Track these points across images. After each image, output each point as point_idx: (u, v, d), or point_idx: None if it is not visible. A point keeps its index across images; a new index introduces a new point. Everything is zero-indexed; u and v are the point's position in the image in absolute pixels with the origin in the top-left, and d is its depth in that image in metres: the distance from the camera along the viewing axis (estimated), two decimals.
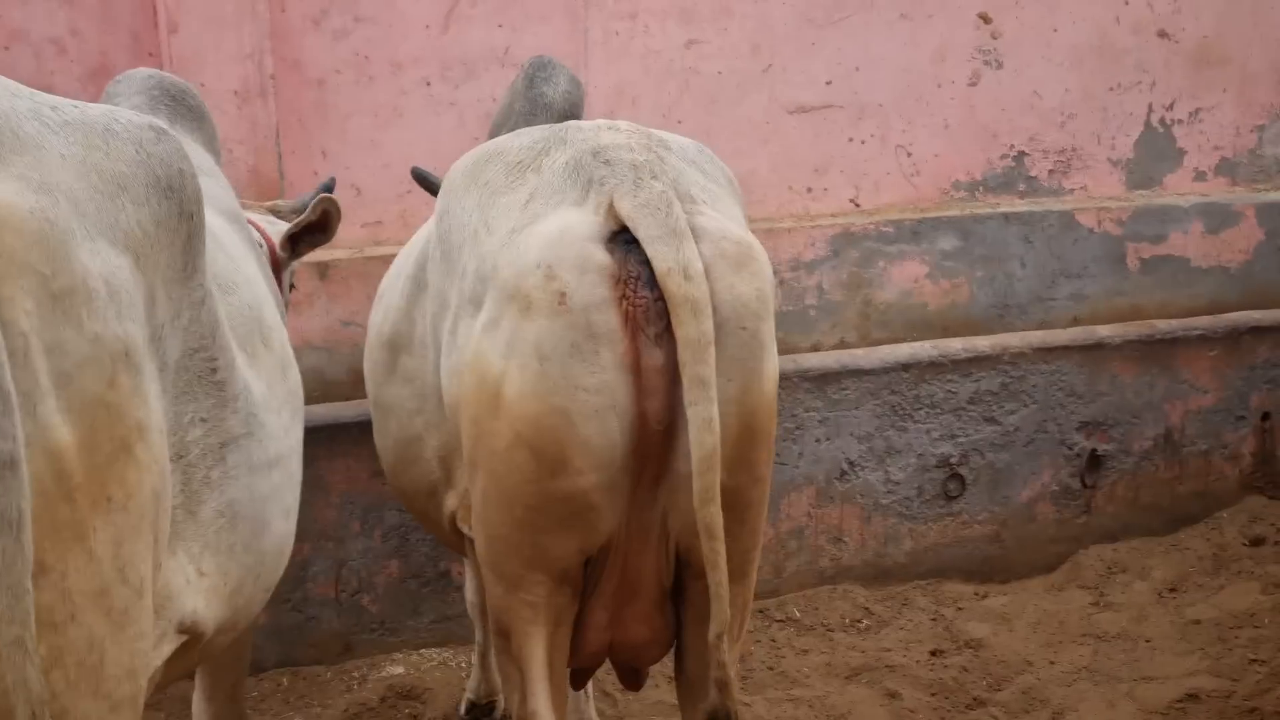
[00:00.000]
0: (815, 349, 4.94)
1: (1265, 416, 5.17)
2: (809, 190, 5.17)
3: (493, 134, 3.69)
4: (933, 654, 4.35)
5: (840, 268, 5.06)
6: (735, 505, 2.57)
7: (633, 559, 2.61)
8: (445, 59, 4.75)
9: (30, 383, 1.61)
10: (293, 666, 4.18)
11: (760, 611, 4.56)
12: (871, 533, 4.76)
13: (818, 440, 4.67)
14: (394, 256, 3.59)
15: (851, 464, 4.73)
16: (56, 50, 4.32)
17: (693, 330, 2.38)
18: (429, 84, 4.73)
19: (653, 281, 2.42)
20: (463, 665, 4.26)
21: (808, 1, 5.07)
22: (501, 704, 3.98)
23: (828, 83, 5.13)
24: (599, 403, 2.42)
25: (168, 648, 1.99)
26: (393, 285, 3.22)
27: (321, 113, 4.61)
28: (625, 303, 2.43)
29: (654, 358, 2.43)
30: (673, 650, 2.84)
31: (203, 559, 2.07)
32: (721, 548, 2.41)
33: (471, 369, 2.55)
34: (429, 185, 3.77)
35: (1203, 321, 5.09)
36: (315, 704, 4.02)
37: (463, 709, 3.97)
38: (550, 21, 4.86)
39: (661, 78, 4.98)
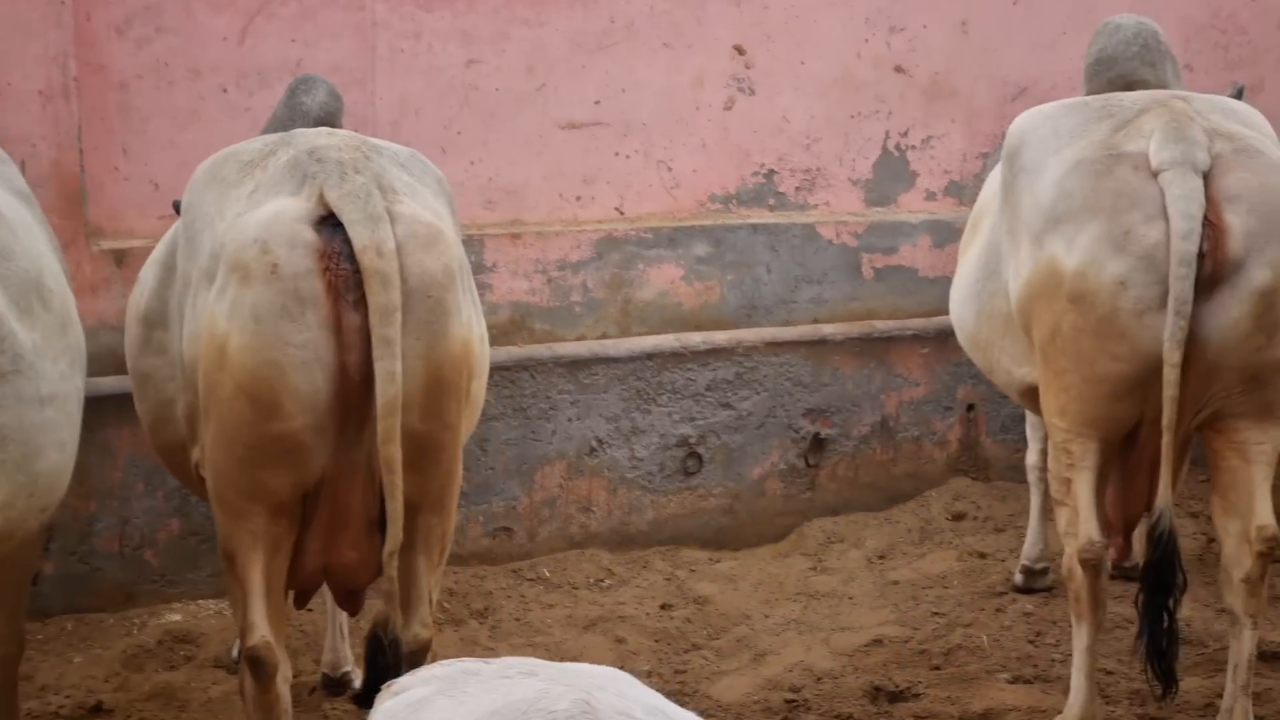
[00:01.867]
0: (578, 341, 5.50)
1: (970, 408, 5.85)
2: (578, 199, 5.73)
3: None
4: (662, 608, 4.93)
5: (604, 269, 5.63)
6: (428, 447, 3.12)
7: (342, 493, 3.14)
8: (241, 68, 5.22)
9: None
10: (77, 613, 4.61)
11: (514, 573, 5.10)
12: (617, 503, 5.33)
13: (569, 420, 5.24)
14: None
15: (600, 441, 5.30)
16: None
17: (381, 298, 2.93)
18: (225, 91, 5.20)
19: (353, 257, 2.97)
20: None
21: (578, 28, 5.64)
22: None
23: (596, 102, 5.70)
24: (305, 356, 2.96)
25: None
26: (148, 270, 3.70)
27: (124, 114, 5.05)
28: (328, 273, 2.98)
29: (352, 320, 2.98)
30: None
31: None
32: (399, 480, 2.96)
33: (204, 330, 3.06)
34: None
35: (916, 323, 5.77)
36: (97, 646, 4.47)
37: (235, 652, 4.43)
38: (340, 38, 5.36)
39: (444, 93, 5.51)
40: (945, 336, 5.69)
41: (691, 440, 5.43)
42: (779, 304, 5.84)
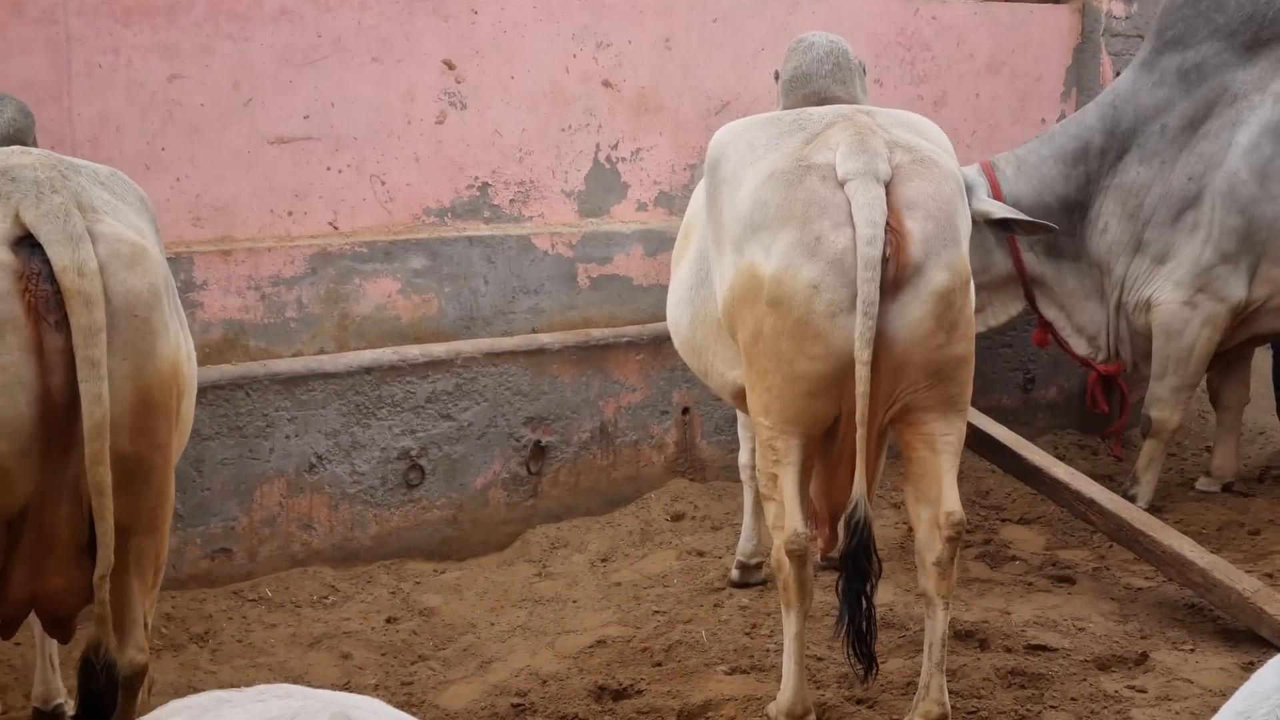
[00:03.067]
0: (293, 357, 5.46)
1: (685, 411, 6.05)
2: (290, 214, 5.68)
3: None
4: (388, 621, 4.93)
5: (319, 284, 5.60)
6: (139, 468, 3.08)
7: (48, 518, 3.07)
8: None
9: None
10: None
11: (235, 593, 5.02)
12: (340, 519, 5.31)
13: (287, 437, 5.19)
14: None
15: (320, 458, 5.26)
16: None
17: (84, 319, 2.88)
18: None
19: (53, 277, 2.91)
20: None
21: (285, 43, 5.59)
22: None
23: (305, 117, 5.66)
24: (6, 380, 2.89)
25: None
26: None
27: None
28: (28, 295, 2.90)
29: (54, 341, 2.92)
30: None
31: None
32: (109, 503, 2.91)
33: None
34: None
35: (631, 330, 5.94)
36: None
37: None
38: (32, 54, 5.18)
39: (145, 109, 5.38)
40: (660, 342, 5.88)
41: (413, 453, 5.45)
42: (497, 315, 5.92)
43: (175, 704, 1.93)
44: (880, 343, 3.71)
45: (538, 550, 5.56)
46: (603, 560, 5.48)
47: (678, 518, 5.79)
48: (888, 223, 3.71)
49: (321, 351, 5.55)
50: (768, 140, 3.99)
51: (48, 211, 2.95)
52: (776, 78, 5.52)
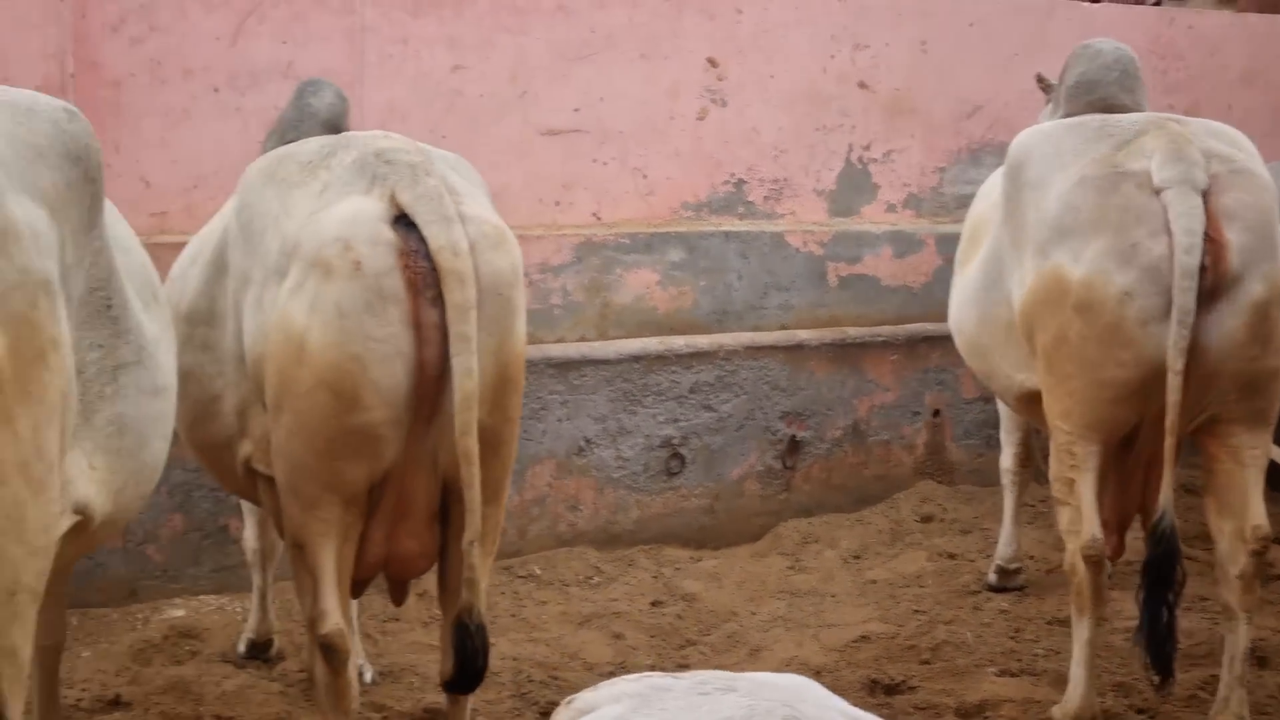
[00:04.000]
0: (559, 343, 5.61)
1: (936, 413, 6.08)
2: (557, 203, 5.84)
3: (270, 137, 4.27)
4: (653, 604, 5.05)
5: (583, 273, 5.75)
6: (491, 440, 3.21)
7: (408, 484, 3.22)
8: (233, 69, 5.25)
9: None
10: (82, 608, 4.60)
11: (505, 569, 5.18)
12: (604, 502, 5.45)
13: (559, 420, 5.34)
14: (180, 244, 4.10)
15: (588, 441, 5.41)
16: None
17: (459, 296, 3.02)
18: (217, 90, 5.22)
19: (429, 255, 3.05)
20: (238, 611, 4.75)
21: (560, 38, 5.75)
22: (276, 644, 4.49)
23: (576, 110, 5.82)
24: (387, 350, 3.04)
25: (66, 522, 2.48)
26: (187, 269, 3.72)
27: (116, 111, 5.05)
28: (408, 271, 3.05)
29: (430, 316, 3.07)
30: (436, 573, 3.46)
31: (94, 456, 2.58)
32: (477, 471, 3.05)
33: (277, 326, 3.12)
34: None
35: (886, 330, 5.98)
36: (103, 641, 4.46)
37: (242, 647, 4.46)
38: (330, 41, 5.41)
39: (429, 98, 5.58)
40: (914, 344, 5.92)
41: (675, 441, 5.56)
42: (749, 309, 6.00)
43: (609, 688, 1.89)
44: (1193, 353, 3.69)
45: (790, 543, 5.63)
46: (855, 557, 5.53)
47: (927, 519, 5.82)
48: (1206, 232, 3.70)
49: (583, 339, 5.70)
50: (1075, 145, 4.00)
51: (424, 193, 3.10)
52: (1041, 83, 5.52)
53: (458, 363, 3.02)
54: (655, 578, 5.26)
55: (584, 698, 1.90)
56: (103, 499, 2.65)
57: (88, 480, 2.59)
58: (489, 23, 5.68)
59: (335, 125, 4.20)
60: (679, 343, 5.59)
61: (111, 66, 5.05)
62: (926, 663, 4.59)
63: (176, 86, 5.15)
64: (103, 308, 2.63)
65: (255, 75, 5.27)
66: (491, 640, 4.65)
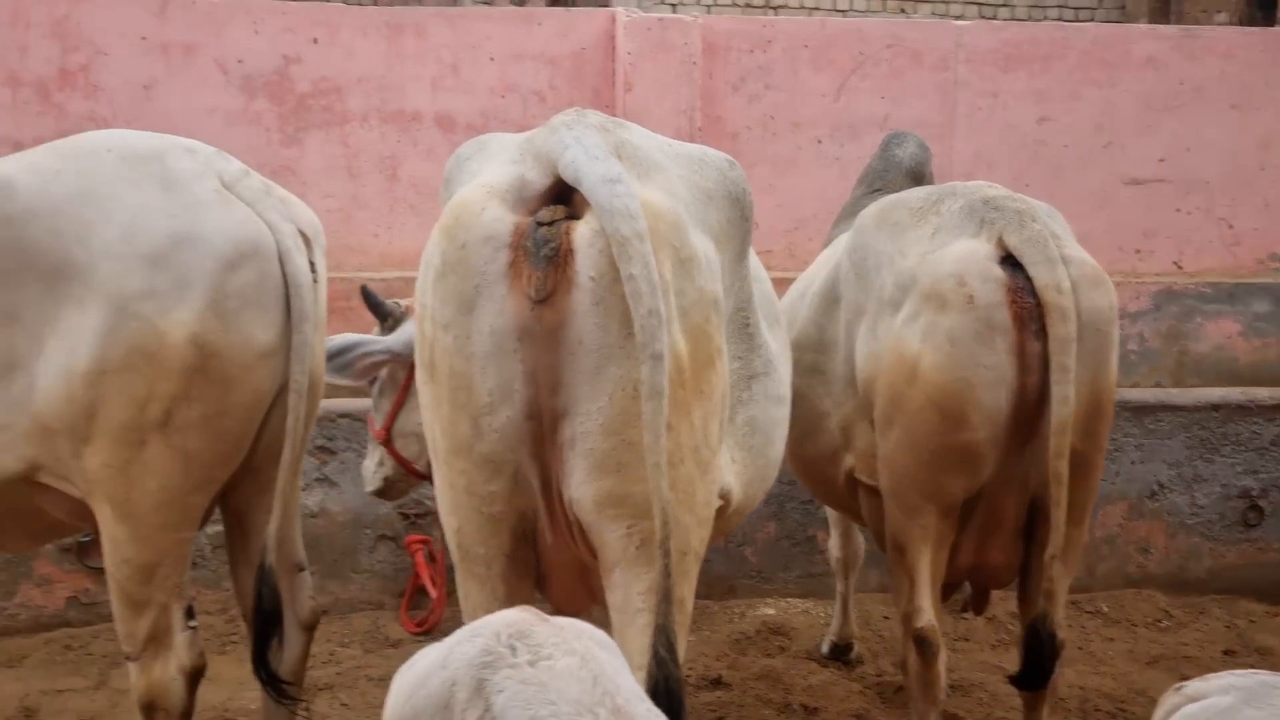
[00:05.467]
0: (1134, 387, 5.71)
1: None
2: (1137, 251, 5.95)
3: (858, 185, 4.72)
4: (1225, 653, 5.04)
5: (1161, 320, 5.82)
6: (1081, 465, 3.45)
7: (1000, 500, 3.52)
8: (835, 122, 5.76)
9: (669, 312, 2.64)
10: None
11: (1073, 603, 5.32)
12: (1175, 548, 5.48)
13: (1133, 462, 5.44)
14: (782, 280, 4.55)
15: (1161, 486, 5.47)
16: (538, 99, 5.51)
17: (1061, 330, 3.30)
18: (820, 142, 5.75)
19: (1034, 293, 3.35)
20: (821, 615, 5.19)
21: (1148, 89, 5.88)
22: (856, 648, 4.89)
23: (1160, 160, 5.91)
24: (993, 377, 3.36)
25: (716, 503, 2.98)
26: (796, 303, 4.17)
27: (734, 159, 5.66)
28: (1015, 305, 3.36)
29: (1033, 347, 3.36)
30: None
31: (734, 451, 3.07)
32: (1064, 492, 3.31)
33: (892, 351, 3.51)
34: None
35: None
36: (706, 629, 5.03)
37: (825, 648, 4.89)
38: (925, 97, 5.82)
39: (1015, 148, 5.87)
40: None
41: (1254, 493, 5.52)
42: None
43: (1220, 679, 2.08)
44: None
45: None
46: None
47: None
48: None
49: (1158, 384, 5.76)
50: None
51: (1030, 237, 3.41)
52: None
53: (1056, 391, 3.29)
54: (1228, 627, 5.24)
55: (1194, 685, 2.12)
56: (739, 488, 3.12)
57: (729, 471, 3.06)
58: (1077, 76, 5.89)
59: (918, 174, 4.61)
60: (1263, 394, 5.54)
61: (731, 120, 5.68)
62: None
63: (785, 138, 5.71)
64: (742, 326, 3.10)
65: (855, 128, 5.75)
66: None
